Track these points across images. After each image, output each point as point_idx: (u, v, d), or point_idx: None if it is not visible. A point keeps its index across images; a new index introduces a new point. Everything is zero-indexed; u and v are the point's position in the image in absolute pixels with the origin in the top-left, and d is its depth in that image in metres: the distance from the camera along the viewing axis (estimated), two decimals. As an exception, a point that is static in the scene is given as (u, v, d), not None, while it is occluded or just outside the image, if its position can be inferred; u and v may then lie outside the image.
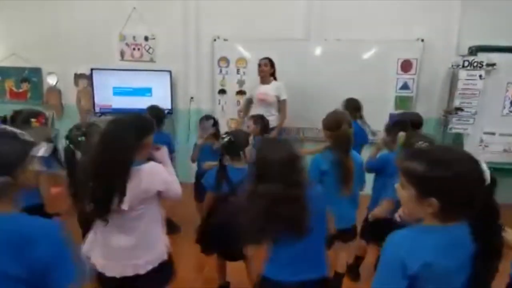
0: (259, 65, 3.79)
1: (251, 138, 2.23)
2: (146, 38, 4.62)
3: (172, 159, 3.45)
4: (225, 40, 4.45)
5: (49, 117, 4.88)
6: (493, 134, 4.03)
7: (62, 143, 2.13)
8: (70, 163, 2.02)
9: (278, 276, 1.45)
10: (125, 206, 1.48)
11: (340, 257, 2.46)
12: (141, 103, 4.51)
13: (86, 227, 2.19)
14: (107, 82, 4.54)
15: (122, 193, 1.46)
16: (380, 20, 4.14)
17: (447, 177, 0.96)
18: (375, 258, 2.80)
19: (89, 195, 1.49)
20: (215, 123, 3.26)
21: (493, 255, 1.07)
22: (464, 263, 1.03)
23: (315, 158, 2.19)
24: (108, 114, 4.61)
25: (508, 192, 3.96)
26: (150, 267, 1.62)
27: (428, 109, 4.28)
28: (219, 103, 4.63)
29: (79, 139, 2.05)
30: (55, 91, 4.85)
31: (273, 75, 3.84)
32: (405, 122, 2.59)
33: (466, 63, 3.87)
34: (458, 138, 4.12)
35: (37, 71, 4.84)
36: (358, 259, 2.73)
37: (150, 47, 4.65)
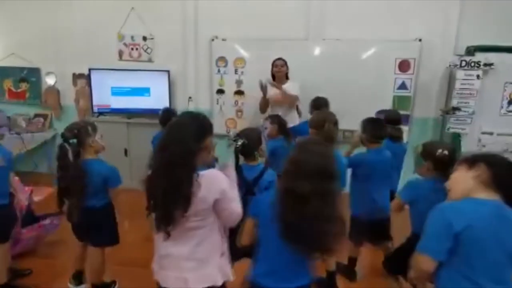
0: (276, 66, 3.81)
1: (263, 135, 2.26)
2: (144, 38, 4.63)
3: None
4: (223, 40, 4.45)
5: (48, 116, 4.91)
6: (491, 134, 4.03)
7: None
8: (62, 160, 2.10)
9: (267, 283, 1.44)
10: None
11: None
12: (139, 103, 4.55)
13: (73, 222, 2.25)
14: (105, 82, 4.55)
15: (187, 200, 1.35)
16: (378, 20, 4.15)
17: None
18: (372, 257, 2.83)
19: (153, 205, 1.42)
20: None
21: None
22: (503, 234, 1.23)
23: None
24: (106, 114, 4.62)
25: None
26: (200, 286, 1.48)
27: (425, 109, 4.29)
28: (217, 103, 4.63)
29: (70, 141, 2.11)
30: (53, 91, 4.86)
31: (287, 75, 3.88)
32: (379, 120, 2.64)
33: (463, 63, 3.86)
34: (456, 138, 4.12)
35: (35, 71, 4.85)
36: (351, 260, 2.72)
37: (148, 47, 4.66)
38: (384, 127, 2.56)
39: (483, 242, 1.21)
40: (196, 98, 4.66)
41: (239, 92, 4.54)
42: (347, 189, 2.56)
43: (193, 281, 1.47)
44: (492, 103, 3.96)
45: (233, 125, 4.58)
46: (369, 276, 2.75)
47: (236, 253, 2.00)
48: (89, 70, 4.53)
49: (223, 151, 2.15)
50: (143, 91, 4.57)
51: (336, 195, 1.34)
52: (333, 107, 3.82)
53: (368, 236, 2.60)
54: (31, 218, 2.92)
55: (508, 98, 3.95)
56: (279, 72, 3.79)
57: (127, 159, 4.46)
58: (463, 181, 1.33)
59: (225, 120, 4.60)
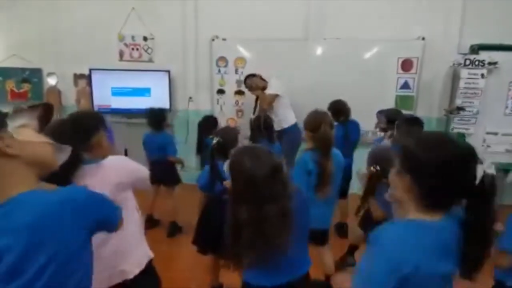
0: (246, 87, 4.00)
1: (240, 135, 2.26)
2: (145, 38, 4.62)
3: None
4: (223, 39, 4.43)
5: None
6: (495, 134, 3.95)
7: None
8: None
9: (258, 281, 1.41)
10: None
11: (325, 259, 2.40)
12: (139, 103, 4.54)
13: None
14: (106, 82, 4.55)
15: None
16: (380, 19, 4.09)
17: (424, 157, 0.94)
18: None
19: None
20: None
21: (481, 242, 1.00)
22: (451, 265, 0.99)
23: (302, 157, 2.15)
24: (107, 114, 4.61)
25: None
26: (137, 270, 1.56)
27: (429, 108, 4.23)
28: (218, 103, 4.60)
29: None
30: (55, 91, 4.86)
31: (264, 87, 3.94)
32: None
33: (467, 62, 3.79)
34: (460, 138, 4.04)
35: (37, 72, 4.88)
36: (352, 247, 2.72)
37: (148, 47, 4.65)
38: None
39: (427, 282, 0.98)
40: (196, 98, 4.64)
41: (240, 92, 4.51)
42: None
43: (131, 269, 1.55)
44: (497, 102, 3.87)
45: (234, 125, 4.55)
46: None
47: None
48: (90, 70, 4.53)
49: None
50: (143, 92, 4.56)
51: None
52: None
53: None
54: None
55: (513, 98, 3.86)
56: (253, 93, 3.93)
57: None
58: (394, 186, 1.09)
59: (226, 120, 4.57)
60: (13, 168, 0.84)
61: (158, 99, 4.49)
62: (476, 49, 3.82)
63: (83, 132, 1.42)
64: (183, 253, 3.07)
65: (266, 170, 1.26)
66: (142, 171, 1.63)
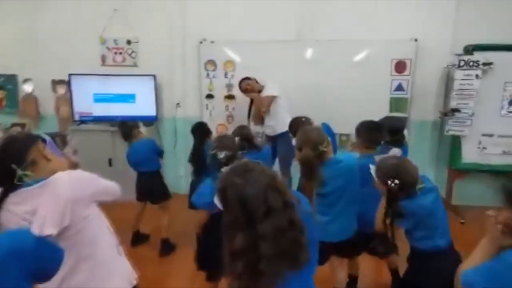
0: (241, 90, 3.84)
1: (236, 139, 2.18)
2: (128, 42, 4.42)
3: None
4: (212, 42, 4.26)
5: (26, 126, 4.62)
6: (491, 135, 3.90)
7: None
8: None
9: None
10: (50, 231, 1.17)
11: (337, 273, 2.24)
12: (124, 110, 4.30)
13: None
14: (87, 89, 4.30)
15: None
16: (373, 20, 4.01)
17: None
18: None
19: None
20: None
21: None
22: None
23: None
24: (88, 122, 4.36)
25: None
26: None
27: (423, 111, 4.16)
28: (207, 108, 4.42)
29: None
30: (31, 99, 4.59)
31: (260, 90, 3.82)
32: (376, 124, 2.41)
33: (462, 63, 3.73)
34: (455, 140, 3.98)
35: (12, 78, 4.60)
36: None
37: (133, 51, 4.44)
38: (381, 131, 2.36)
39: None
40: (184, 104, 4.44)
41: (230, 97, 4.34)
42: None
43: None
44: (492, 103, 3.82)
45: (224, 131, 4.37)
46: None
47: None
48: (69, 75, 4.27)
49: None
50: (127, 98, 4.34)
51: None
52: (327, 111, 3.70)
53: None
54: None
55: (509, 98, 3.81)
56: (248, 95, 3.81)
57: (112, 169, 4.19)
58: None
59: (216, 126, 4.38)
60: None
61: (144, 105, 4.28)
62: (471, 49, 3.78)
63: (16, 153, 1.29)
64: (177, 274, 2.83)
65: (259, 189, 1.05)
66: (102, 181, 1.43)
